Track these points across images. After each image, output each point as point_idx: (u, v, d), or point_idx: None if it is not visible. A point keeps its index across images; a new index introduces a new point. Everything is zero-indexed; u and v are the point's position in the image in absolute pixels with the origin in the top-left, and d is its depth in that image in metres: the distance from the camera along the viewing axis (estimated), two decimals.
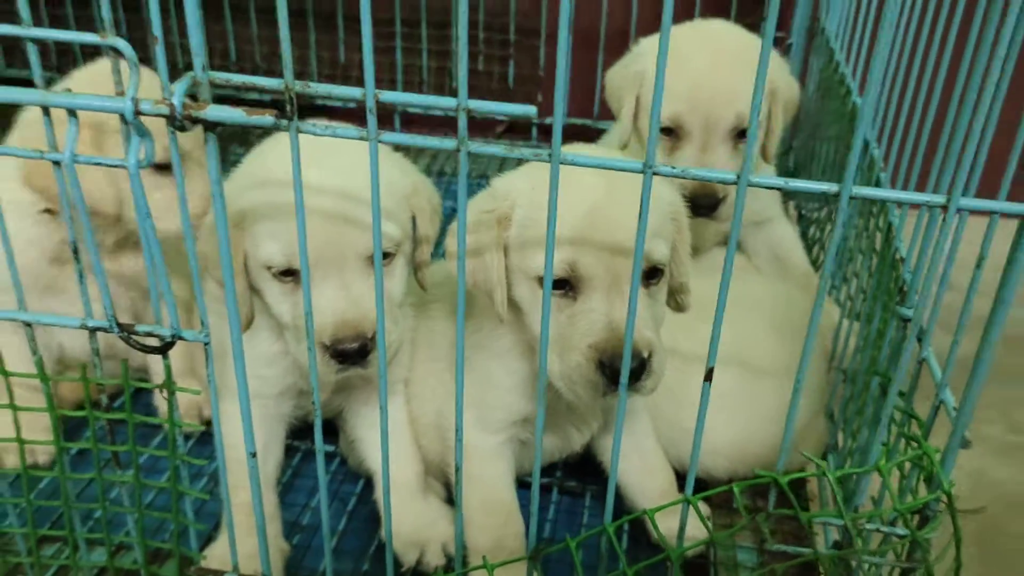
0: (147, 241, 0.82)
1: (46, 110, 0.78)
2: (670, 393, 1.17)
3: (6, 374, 0.93)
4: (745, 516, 0.85)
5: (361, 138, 0.75)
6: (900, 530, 0.92)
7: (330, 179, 1.00)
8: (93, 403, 0.94)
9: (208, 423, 1.42)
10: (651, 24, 2.47)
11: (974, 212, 0.77)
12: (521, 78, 2.67)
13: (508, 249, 1.02)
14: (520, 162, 0.93)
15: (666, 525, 1.00)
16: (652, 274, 1.00)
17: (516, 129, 2.72)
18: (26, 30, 0.73)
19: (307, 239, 0.80)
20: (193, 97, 0.74)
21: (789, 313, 1.39)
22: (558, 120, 0.69)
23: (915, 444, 0.88)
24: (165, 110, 0.73)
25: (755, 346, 1.33)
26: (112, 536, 1.07)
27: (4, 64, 2.73)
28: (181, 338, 0.86)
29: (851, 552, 0.88)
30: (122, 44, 0.74)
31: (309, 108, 2.48)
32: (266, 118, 0.73)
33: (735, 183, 0.72)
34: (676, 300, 1.09)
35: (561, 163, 0.73)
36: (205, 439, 1.45)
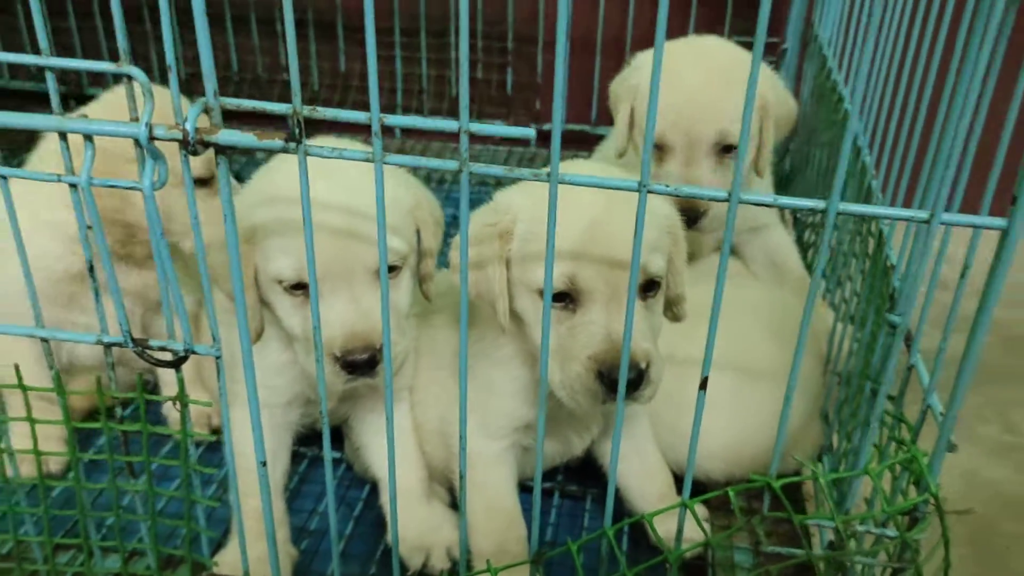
0: (160, 259, 0.85)
1: (63, 135, 0.81)
2: (669, 398, 1.19)
3: (24, 388, 0.96)
4: (740, 519, 0.88)
5: (367, 160, 0.78)
6: (891, 532, 0.95)
7: (337, 195, 1.02)
8: (108, 412, 0.97)
9: (216, 431, 1.45)
10: (647, 30, 2.50)
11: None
12: (520, 85, 2.69)
13: (510, 262, 1.05)
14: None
15: (665, 528, 1.03)
16: (649, 286, 1.03)
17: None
18: (46, 60, 0.76)
19: (316, 254, 0.83)
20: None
21: (784, 318, 1.42)
22: (556, 143, 0.72)
23: (904, 448, 0.91)
24: (178, 135, 0.76)
25: (751, 350, 1.36)
26: (125, 543, 1.10)
27: (8, 76, 2.76)
28: (194, 352, 0.89)
29: (842, 554, 0.91)
30: (136, 72, 0.77)
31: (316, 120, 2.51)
32: (276, 142, 0.76)
33: (726, 200, 0.75)
34: (673, 311, 1.12)
35: (559, 183, 0.76)
36: (214, 446, 1.48)
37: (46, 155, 1.33)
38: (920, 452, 0.89)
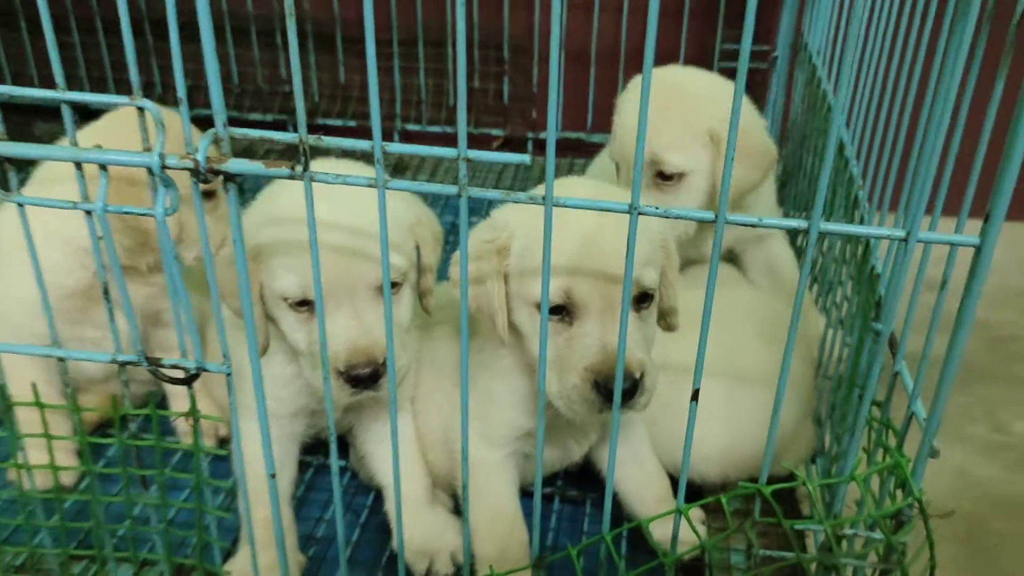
0: (171, 279, 0.89)
1: (78, 165, 0.85)
2: (665, 403, 1.22)
3: (42, 406, 1.00)
4: (730, 523, 0.91)
5: (370, 185, 0.82)
6: (878, 535, 0.99)
7: (339, 215, 1.06)
8: (121, 426, 1.01)
9: (223, 442, 1.48)
10: (640, 41, 2.54)
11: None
12: (516, 95, 2.73)
13: (508, 277, 1.08)
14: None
15: (663, 531, 1.07)
16: (643, 299, 1.07)
17: (512, 143, 2.78)
18: (62, 94, 0.80)
19: (320, 272, 0.87)
20: None
21: (776, 323, 1.45)
22: (550, 169, 0.76)
23: (890, 453, 0.95)
24: (190, 164, 0.80)
25: (744, 355, 1.39)
26: (138, 553, 1.13)
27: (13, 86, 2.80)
28: (205, 370, 0.93)
29: (832, 556, 0.95)
30: (149, 105, 0.81)
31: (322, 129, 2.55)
32: (282, 170, 0.80)
33: (713, 221, 0.79)
34: (666, 321, 1.15)
35: (554, 206, 0.80)
36: (220, 456, 1.51)
37: (52, 167, 1.35)
38: (904, 458, 0.92)
